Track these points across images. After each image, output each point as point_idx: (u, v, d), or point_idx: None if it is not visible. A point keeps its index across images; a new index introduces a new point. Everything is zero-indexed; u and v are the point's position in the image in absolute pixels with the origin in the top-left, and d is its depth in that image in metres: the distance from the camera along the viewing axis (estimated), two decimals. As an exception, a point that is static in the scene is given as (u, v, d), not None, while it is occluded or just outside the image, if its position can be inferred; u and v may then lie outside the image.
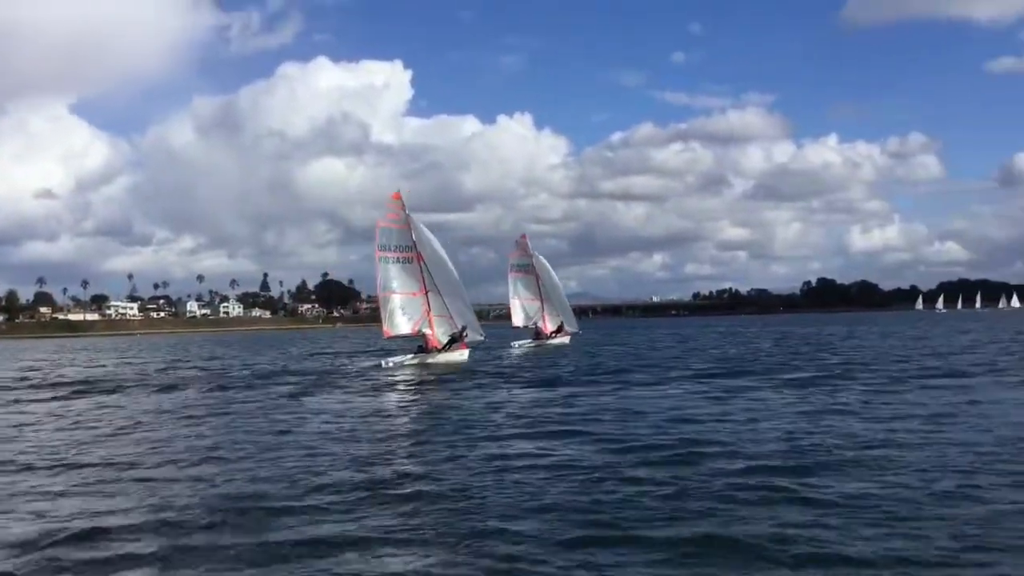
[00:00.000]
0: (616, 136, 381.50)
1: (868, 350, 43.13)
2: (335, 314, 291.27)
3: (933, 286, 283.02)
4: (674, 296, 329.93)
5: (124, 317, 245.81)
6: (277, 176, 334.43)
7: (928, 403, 19.69)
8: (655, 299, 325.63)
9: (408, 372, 35.17)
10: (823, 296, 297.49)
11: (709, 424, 17.43)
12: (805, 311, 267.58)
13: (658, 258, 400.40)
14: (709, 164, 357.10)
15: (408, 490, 11.63)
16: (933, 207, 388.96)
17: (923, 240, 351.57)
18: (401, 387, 29.22)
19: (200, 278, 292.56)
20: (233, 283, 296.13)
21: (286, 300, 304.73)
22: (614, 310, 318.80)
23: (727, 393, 23.48)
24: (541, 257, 55.57)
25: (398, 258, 38.72)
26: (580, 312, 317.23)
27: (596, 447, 14.73)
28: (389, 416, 21.42)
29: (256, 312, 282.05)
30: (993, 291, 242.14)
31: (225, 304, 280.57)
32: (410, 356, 38.50)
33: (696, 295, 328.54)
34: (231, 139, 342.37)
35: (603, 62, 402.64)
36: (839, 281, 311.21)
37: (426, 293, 38.76)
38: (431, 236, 39.68)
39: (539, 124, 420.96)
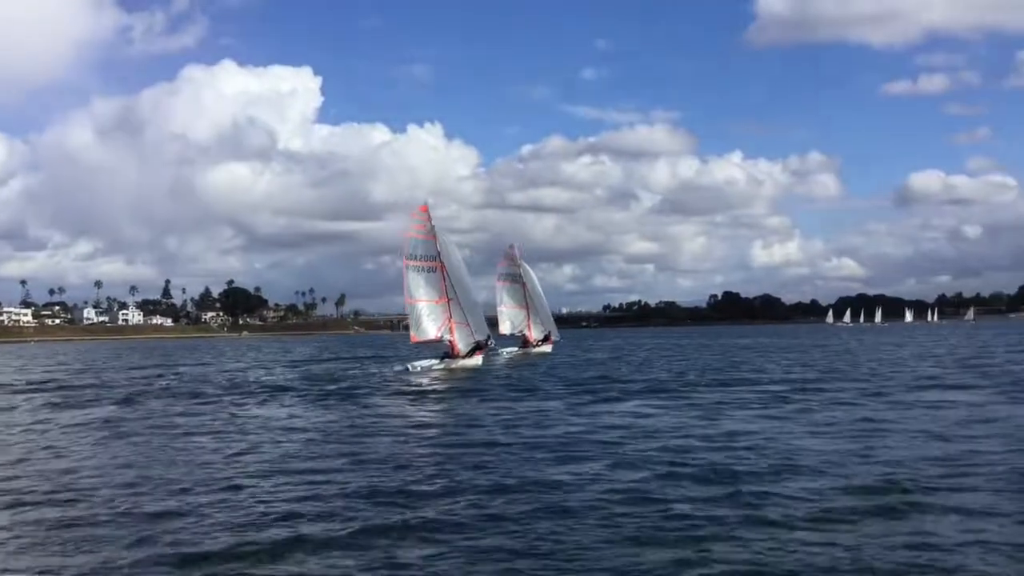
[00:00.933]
0: (526, 148, 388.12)
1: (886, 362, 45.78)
2: (241, 322, 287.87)
3: (832, 300, 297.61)
4: (583, 308, 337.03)
5: (17, 324, 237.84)
6: (179, 181, 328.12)
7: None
8: (564, 311, 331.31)
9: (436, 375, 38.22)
10: (729, 309, 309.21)
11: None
12: (712, 324, 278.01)
13: (568, 270, 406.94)
14: (618, 178, 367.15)
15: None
16: (831, 224, 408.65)
17: (821, 256, 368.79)
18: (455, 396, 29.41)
19: (98, 284, 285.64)
20: (133, 290, 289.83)
21: (189, 308, 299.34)
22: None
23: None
24: (527, 267, 58.94)
25: (423, 267, 41.71)
26: (490, 324, 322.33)
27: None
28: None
29: (157, 320, 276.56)
30: (889, 306, 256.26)
31: (124, 311, 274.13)
32: (436, 361, 41.36)
33: (607, 307, 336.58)
34: (132, 142, 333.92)
35: (514, 75, 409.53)
36: (743, 294, 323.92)
37: (448, 301, 41.76)
38: (454, 248, 42.81)
39: (449, 134, 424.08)
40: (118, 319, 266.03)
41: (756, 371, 38.41)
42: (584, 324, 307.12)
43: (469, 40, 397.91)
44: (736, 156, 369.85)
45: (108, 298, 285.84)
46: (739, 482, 12.57)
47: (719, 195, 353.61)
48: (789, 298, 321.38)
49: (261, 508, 11.58)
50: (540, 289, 59.61)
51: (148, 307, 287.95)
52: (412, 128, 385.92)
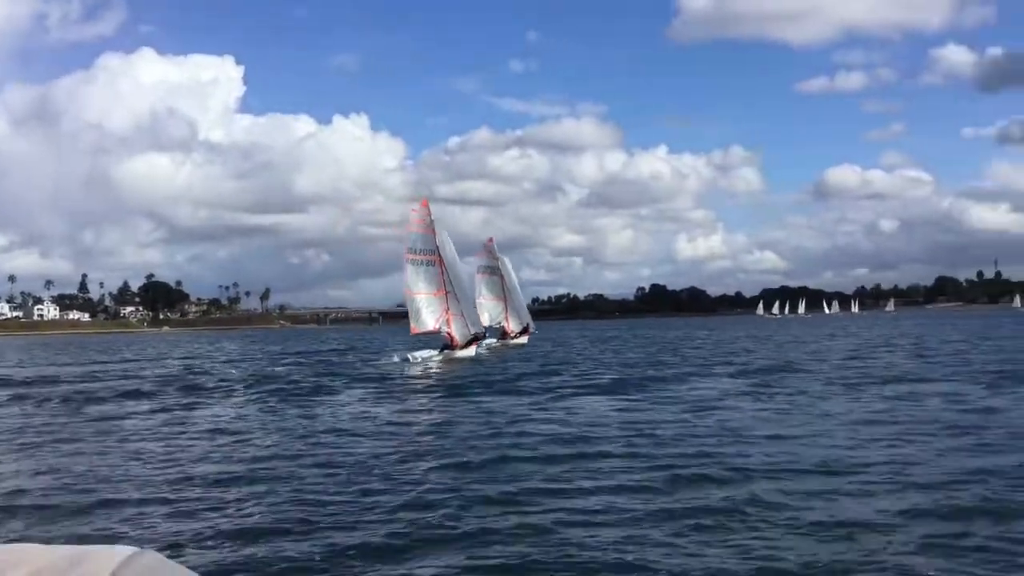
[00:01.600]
0: (454, 140, 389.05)
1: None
2: (162, 317, 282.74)
3: (756, 292, 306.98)
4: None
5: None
6: (96, 172, 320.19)
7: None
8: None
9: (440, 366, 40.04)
10: (656, 301, 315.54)
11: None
12: (640, 316, 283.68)
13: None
14: (545, 171, 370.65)
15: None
16: (753, 217, 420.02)
17: (744, 248, 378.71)
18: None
19: (11, 279, 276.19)
20: (48, 284, 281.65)
21: (107, 302, 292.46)
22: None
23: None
24: (506, 260, 60.93)
25: (423, 260, 43.51)
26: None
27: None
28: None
29: (74, 315, 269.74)
30: (811, 298, 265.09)
31: (39, 306, 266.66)
32: (435, 352, 43.09)
33: (536, 300, 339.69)
34: (47, 132, 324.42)
35: (440, 66, 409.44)
36: (669, 287, 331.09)
37: (445, 294, 43.56)
38: (449, 242, 44.55)
39: (376, 126, 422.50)
40: (33, 314, 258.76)
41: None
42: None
43: (395, 31, 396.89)
44: (661, 150, 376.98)
45: (22, 292, 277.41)
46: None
47: (645, 188, 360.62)
48: (714, 290, 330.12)
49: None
50: (516, 282, 61.72)
51: (64, 301, 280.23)
52: (337, 119, 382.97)
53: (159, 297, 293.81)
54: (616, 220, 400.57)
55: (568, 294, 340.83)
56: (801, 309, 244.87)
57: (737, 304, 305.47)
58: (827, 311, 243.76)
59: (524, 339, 60.50)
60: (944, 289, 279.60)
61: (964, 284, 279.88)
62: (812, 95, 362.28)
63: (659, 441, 15.79)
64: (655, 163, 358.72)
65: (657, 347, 56.74)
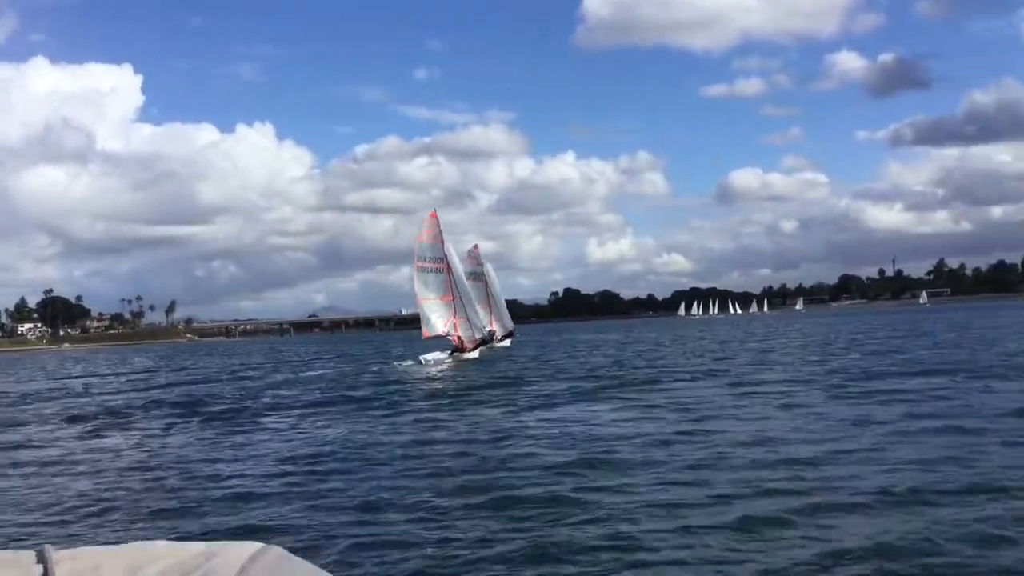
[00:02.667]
0: (361, 149, 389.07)
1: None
2: (62, 333, 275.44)
3: (667, 294, 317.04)
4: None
5: None
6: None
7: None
8: (405, 312, 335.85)
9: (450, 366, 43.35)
10: (571, 305, 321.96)
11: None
12: (554, 320, 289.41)
13: (406, 271, 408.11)
14: (454, 178, 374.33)
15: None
16: (660, 221, 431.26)
17: (653, 251, 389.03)
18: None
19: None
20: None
21: (3, 320, 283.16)
22: (367, 323, 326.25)
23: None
24: (489, 266, 64.33)
25: (431, 268, 46.74)
26: (333, 326, 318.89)
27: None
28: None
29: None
30: (720, 298, 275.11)
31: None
32: (446, 355, 46.31)
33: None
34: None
35: (345, 76, 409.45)
36: (582, 291, 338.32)
37: (453, 299, 46.90)
38: (453, 251, 48.01)
39: (281, 135, 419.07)
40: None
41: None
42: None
43: (299, 39, 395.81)
44: (569, 156, 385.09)
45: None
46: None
47: (554, 194, 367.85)
48: (627, 293, 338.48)
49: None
50: (499, 288, 65.25)
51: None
52: (241, 128, 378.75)
53: (58, 313, 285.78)
54: (527, 226, 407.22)
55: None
56: (714, 310, 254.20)
57: (650, 306, 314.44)
58: (737, 311, 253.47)
59: (507, 342, 64.02)
60: (848, 287, 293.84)
61: (867, 282, 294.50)
62: (713, 101, 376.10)
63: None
64: (563, 169, 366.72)
65: (613, 351, 60.68)
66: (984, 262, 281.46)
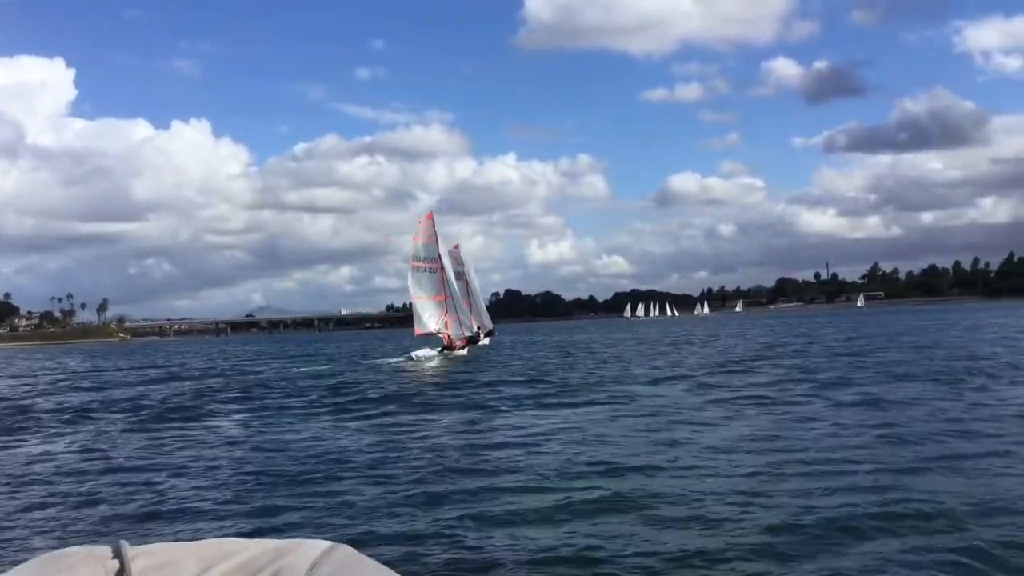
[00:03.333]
0: (300, 147, 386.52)
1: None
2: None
3: (608, 296, 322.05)
4: (363, 309, 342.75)
5: None
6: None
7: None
8: (345, 312, 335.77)
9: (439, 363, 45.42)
10: (512, 307, 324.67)
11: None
12: (496, 322, 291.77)
13: (346, 271, 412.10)
14: (395, 178, 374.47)
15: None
16: (600, 223, 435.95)
17: (593, 253, 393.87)
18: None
19: None
20: None
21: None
22: (306, 323, 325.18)
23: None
24: (470, 265, 66.33)
25: (425, 268, 48.70)
26: (271, 326, 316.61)
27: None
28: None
29: None
30: (661, 300, 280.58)
31: None
32: (436, 352, 48.35)
33: (391, 307, 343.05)
34: None
35: (285, 72, 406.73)
36: (523, 292, 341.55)
37: (445, 298, 48.96)
38: (445, 251, 50.00)
39: (218, 131, 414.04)
40: None
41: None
42: (368, 325, 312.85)
43: (237, 36, 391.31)
44: (510, 157, 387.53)
45: None
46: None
47: (495, 195, 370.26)
48: (568, 295, 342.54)
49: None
50: (479, 287, 67.36)
51: None
52: (177, 124, 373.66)
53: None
54: (467, 227, 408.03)
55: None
56: (655, 312, 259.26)
57: (591, 308, 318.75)
58: (675, 313, 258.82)
59: (487, 340, 66.10)
60: (785, 290, 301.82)
61: (803, 285, 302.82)
62: (654, 105, 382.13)
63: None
64: (504, 170, 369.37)
65: (594, 351, 63.30)
66: (916, 266, 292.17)
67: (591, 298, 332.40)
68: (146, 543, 1.03)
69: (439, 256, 48.68)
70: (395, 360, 48.19)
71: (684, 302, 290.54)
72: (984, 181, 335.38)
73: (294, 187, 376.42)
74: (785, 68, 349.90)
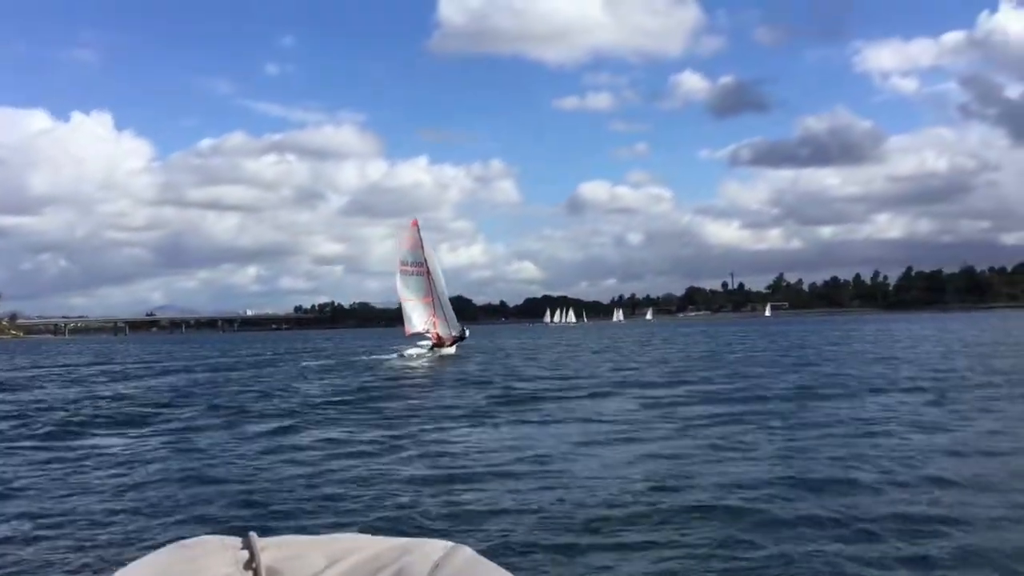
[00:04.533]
0: (206, 143, 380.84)
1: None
2: None
3: (519, 301, 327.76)
4: (270, 310, 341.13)
5: None
6: None
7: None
8: (250, 312, 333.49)
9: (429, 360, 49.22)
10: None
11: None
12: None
13: (252, 270, 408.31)
14: (304, 177, 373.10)
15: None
16: (511, 229, 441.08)
17: (503, 259, 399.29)
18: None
19: None
20: None
21: None
22: (209, 324, 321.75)
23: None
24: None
25: (412, 272, 52.29)
26: (173, 326, 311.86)
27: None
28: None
29: None
30: (572, 306, 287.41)
31: None
32: (426, 350, 51.97)
33: (298, 308, 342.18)
34: None
35: (192, 66, 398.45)
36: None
37: (432, 300, 52.69)
38: (434, 255, 53.78)
39: (120, 124, 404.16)
40: None
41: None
42: (274, 326, 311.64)
43: (143, 26, 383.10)
44: (422, 160, 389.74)
45: None
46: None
47: (406, 198, 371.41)
48: (478, 300, 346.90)
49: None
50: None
51: None
52: (77, 116, 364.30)
53: None
54: (378, 229, 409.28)
55: (332, 302, 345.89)
56: (570, 317, 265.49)
57: (501, 313, 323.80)
58: (585, 320, 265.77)
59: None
60: (694, 299, 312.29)
61: (711, 294, 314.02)
62: (565, 113, 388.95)
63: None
64: (416, 173, 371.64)
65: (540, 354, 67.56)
66: (820, 277, 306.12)
67: (502, 303, 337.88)
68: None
69: (425, 260, 52.38)
70: (389, 357, 51.42)
71: (594, 309, 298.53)
72: (880, 198, 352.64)
73: (199, 184, 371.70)
74: (693, 82, 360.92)
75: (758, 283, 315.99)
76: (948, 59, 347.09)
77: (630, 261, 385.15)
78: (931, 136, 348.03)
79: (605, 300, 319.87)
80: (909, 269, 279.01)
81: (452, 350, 53.22)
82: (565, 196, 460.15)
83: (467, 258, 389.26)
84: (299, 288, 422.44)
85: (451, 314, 54.16)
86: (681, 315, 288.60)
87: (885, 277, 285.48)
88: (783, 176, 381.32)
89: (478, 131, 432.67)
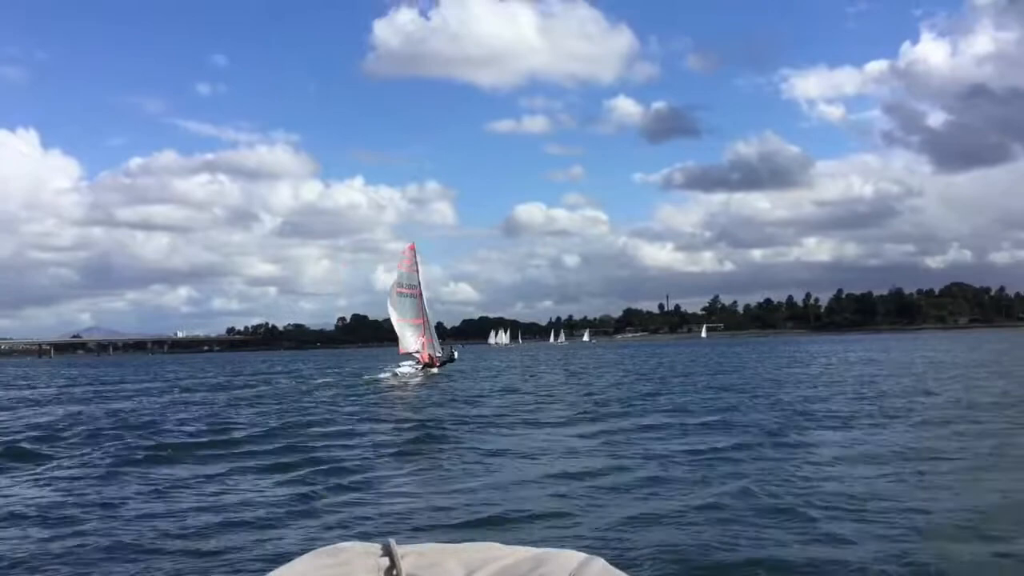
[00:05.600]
0: (136, 162, 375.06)
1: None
2: None
3: (456, 323, 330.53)
4: (201, 332, 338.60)
5: None
6: None
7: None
8: (181, 334, 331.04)
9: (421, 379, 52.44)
10: (359, 330, 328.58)
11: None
12: (342, 346, 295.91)
13: (183, 292, 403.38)
14: (237, 198, 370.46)
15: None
16: (448, 250, 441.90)
17: (440, 280, 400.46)
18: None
19: None
20: None
21: None
22: (138, 346, 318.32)
23: None
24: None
25: (408, 294, 55.51)
26: (100, 348, 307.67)
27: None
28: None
29: None
30: (509, 327, 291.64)
31: None
32: (415, 370, 55.13)
33: (231, 330, 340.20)
34: None
35: (121, 84, 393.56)
36: (370, 317, 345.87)
37: (423, 322, 56.02)
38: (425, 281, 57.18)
39: (47, 143, 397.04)
40: None
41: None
42: (206, 348, 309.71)
43: (71, 43, 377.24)
44: (358, 181, 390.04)
45: None
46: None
47: (342, 219, 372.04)
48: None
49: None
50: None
51: None
52: (1, 134, 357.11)
53: None
54: (313, 250, 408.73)
55: (266, 324, 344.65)
56: (503, 339, 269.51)
57: (440, 334, 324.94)
58: (519, 341, 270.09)
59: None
60: (631, 320, 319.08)
61: (647, 315, 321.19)
62: (501, 136, 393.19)
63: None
64: (352, 194, 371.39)
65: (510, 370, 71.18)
66: (754, 299, 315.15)
67: (439, 324, 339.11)
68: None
69: (419, 283, 55.74)
70: (385, 375, 54.41)
71: (531, 330, 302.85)
72: (807, 222, 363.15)
73: (128, 203, 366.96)
74: (626, 107, 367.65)
75: (694, 305, 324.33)
76: (872, 87, 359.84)
77: (566, 283, 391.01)
78: (856, 162, 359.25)
79: (542, 321, 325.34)
80: (840, 291, 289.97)
81: (435, 370, 56.43)
82: (501, 218, 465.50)
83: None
84: (232, 310, 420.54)
85: (435, 336, 57.59)
86: (619, 336, 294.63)
87: (817, 299, 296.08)
88: (715, 200, 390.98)
89: (414, 153, 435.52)
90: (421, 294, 55.99)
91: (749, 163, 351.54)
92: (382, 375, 54.71)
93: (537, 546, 1.13)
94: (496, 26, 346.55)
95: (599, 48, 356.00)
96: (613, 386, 40.79)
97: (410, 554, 1.05)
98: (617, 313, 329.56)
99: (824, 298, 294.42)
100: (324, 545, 1.09)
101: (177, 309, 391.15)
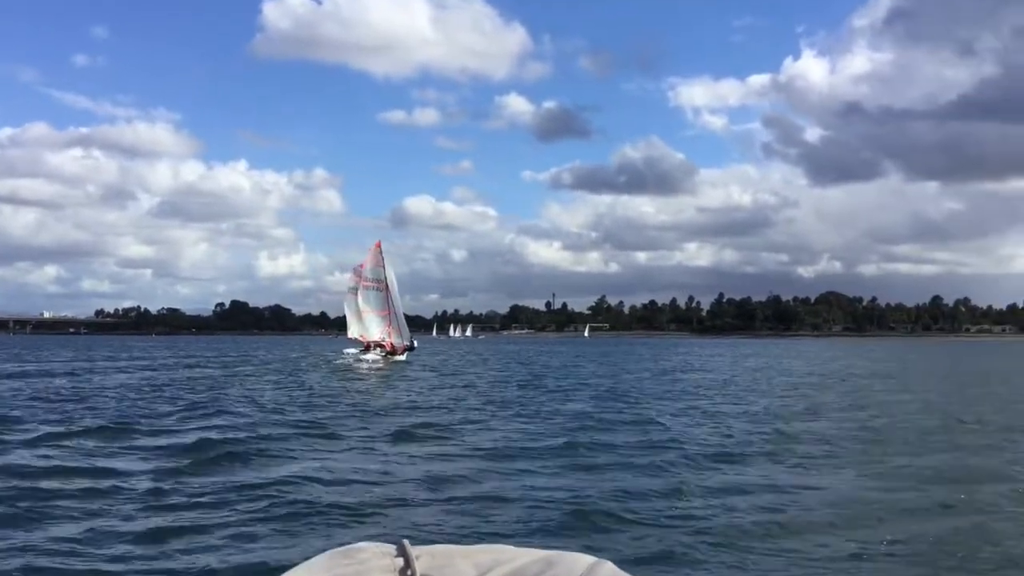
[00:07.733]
0: (4, 132, 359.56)
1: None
2: None
3: (340, 313, 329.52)
4: (69, 313, 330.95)
5: None
6: None
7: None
8: (47, 315, 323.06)
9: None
10: (238, 317, 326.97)
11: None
12: (219, 333, 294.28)
13: (50, 270, 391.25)
14: (112, 175, 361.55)
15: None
16: (334, 239, 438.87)
17: (325, 269, 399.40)
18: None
19: None
20: None
21: None
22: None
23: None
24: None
25: (373, 287, 60.85)
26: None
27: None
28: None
29: None
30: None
31: None
32: (379, 357, 60.46)
33: (99, 312, 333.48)
34: None
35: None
36: (251, 304, 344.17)
37: (388, 313, 61.42)
38: (392, 274, 62.54)
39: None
40: None
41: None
42: (72, 330, 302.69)
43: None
44: (242, 164, 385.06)
45: None
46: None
47: (223, 202, 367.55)
48: (298, 310, 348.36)
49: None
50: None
51: None
52: None
53: None
54: (191, 233, 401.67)
55: (138, 307, 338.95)
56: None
57: (322, 324, 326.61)
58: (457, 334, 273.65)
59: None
60: (518, 317, 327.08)
61: (534, 313, 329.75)
62: (391, 126, 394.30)
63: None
64: (235, 177, 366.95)
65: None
66: (639, 300, 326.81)
67: (323, 314, 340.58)
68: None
69: (385, 278, 61.01)
70: (349, 358, 59.68)
71: (416, 323, 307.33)
72: (689, 227, 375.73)
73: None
74: (518, 104, 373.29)
75: (580, 304, 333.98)
76: (754, 100, 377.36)
77: (452, 278, 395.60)
78: (737, 172, 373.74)
79: (427, 315, 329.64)
80: (721, 295, 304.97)
81: (403, 357, 61.93)
82: (389, 209, 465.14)
83: (287, 267, 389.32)
84: (103, 291, 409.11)
85: (404, 326, 62.91)
86: (505, 333, 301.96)
87: (698, 303, 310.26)
88: (602, 201, 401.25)
89: (301, 138, 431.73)
90: (387, 288, 61.20)
91: (635, 167, 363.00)
92: (339, 360, 59.79)
93: (547, 548, 1.19)
94: (389, 14, 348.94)
95: (492, 44, 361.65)
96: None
97: (423, 555, 1.10)
98: (504, 309, 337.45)
99: (705, 302, 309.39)
100: (340, 546, 1.14)
101: (43, 288, 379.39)
